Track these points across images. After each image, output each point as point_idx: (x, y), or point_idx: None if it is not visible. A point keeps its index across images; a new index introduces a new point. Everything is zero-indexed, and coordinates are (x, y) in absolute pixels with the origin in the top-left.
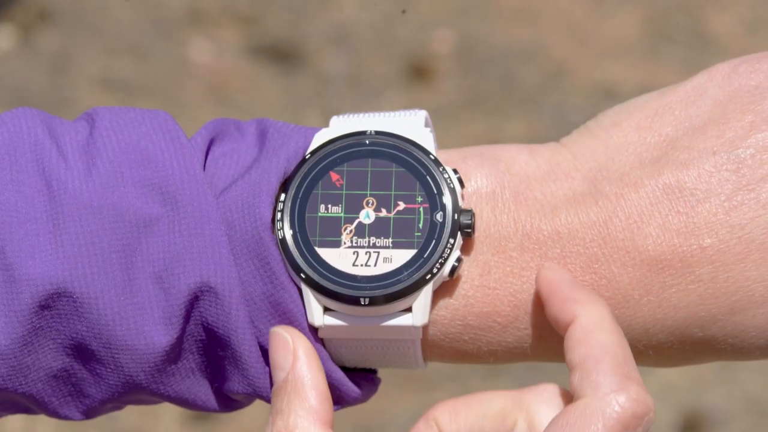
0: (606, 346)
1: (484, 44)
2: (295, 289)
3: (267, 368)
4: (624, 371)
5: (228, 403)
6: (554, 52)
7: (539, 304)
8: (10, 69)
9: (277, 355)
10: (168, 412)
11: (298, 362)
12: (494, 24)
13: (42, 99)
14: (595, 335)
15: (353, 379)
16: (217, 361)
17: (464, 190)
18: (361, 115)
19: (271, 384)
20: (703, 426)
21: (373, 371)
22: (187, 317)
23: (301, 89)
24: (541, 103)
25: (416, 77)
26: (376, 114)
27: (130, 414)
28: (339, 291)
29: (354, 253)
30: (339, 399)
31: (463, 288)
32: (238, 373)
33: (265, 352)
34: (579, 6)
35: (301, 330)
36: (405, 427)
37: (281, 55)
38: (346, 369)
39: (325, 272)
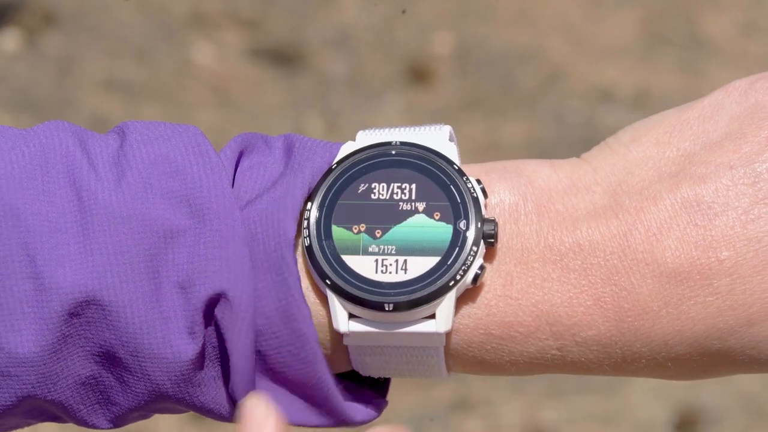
0: None
1: (482, 47)
2: (308, 308)
3: (251, 380)
4: None
5: None
6: (552, 55)
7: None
8: (16, 71)
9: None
10: None
11: None
12: (493, 27)
13: (47, 100)
14: None
15: (362, 398)
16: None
17: (488, 201)
18: (387, 129)
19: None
20: (698, 423)
21: (383, 393)
22: (206, 327)
23: (302, 91)
24: (539, 105)
25: (416, 79)
26: (402, 128)
27: None
28: (364, 297)
29: (379, 260)
30: (344, 421)
31: (485, 298)
32: (232, 381)
33: (262, 369)
34: (576, 9)
35: (307, 350)
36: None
37: (283, 57)
38: (370, 379)
39: (350, 279)
